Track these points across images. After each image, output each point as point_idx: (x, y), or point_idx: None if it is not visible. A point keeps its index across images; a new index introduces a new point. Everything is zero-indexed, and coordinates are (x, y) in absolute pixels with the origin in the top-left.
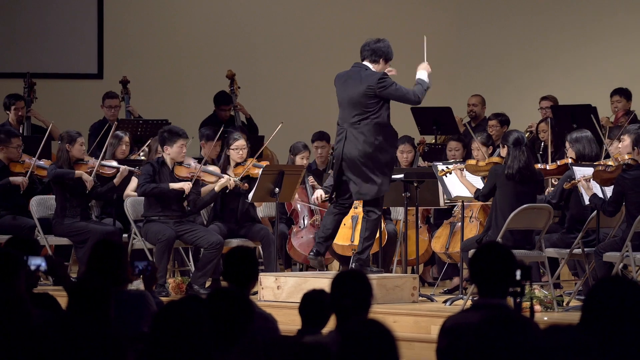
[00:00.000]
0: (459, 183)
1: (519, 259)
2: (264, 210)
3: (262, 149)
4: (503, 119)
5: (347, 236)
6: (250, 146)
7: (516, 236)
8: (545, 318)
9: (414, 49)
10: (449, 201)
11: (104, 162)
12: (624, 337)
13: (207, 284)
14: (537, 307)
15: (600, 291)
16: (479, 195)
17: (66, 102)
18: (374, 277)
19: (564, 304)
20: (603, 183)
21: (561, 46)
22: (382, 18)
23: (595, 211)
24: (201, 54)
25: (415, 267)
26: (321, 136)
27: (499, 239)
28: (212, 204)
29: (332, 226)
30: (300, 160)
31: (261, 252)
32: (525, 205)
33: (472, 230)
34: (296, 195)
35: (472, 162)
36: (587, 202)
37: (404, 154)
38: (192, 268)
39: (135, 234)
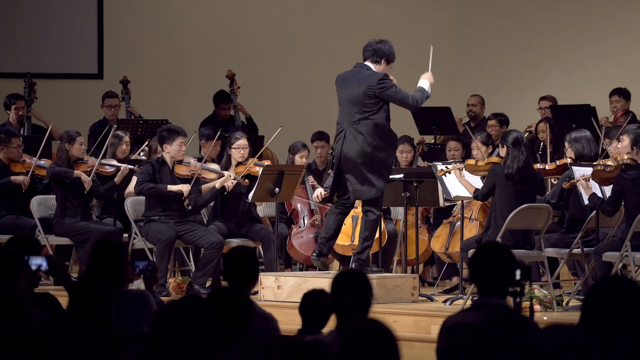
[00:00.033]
0: (458, 183)
1: (519, 259)
2: (264, 210)
3: (263, 150)
4: (502, 119)
5: (347, 236)
6: (250, 146)
7: (516, 236)
8: (545, 318)
9: (414, 49)
10: (448, 201)
11: (104, 161)
12: (624, 337)
13: (208, 283)
14: (537, 307)
15: (600, 291)
16: (478, 195)
17: (66, 102)
18: (374, 277)
19: (564, 303)
20: (602, 182)
21: (561, 46)
22: (382, 18)
23: (595, 211)
24: (201, 54)
25: (415, 267)
26: (321, 136)
27: (498, 238)
28: (212, 204)
29: (334, 226)
30: (300, 159)
31: (261, 252)
32: (524, 205)
33: (471, 230)
34: (296, 195)
35: (471, 162)
36: (586, 202)
37: (403, 154)
38: (193, 268)
39: (135, 233)
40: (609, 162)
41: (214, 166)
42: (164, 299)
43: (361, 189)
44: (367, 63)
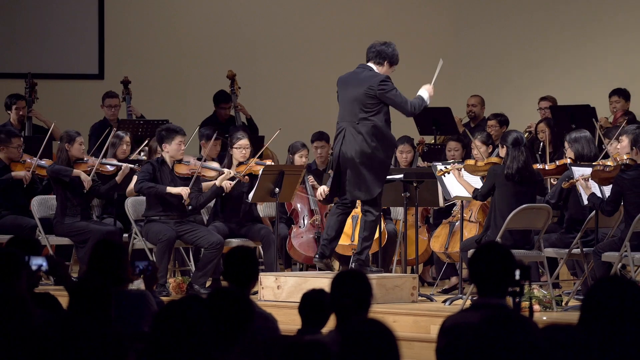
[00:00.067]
0: (457, 183)
1: (518, 259)
2: (264, 210)
3: (263, 150)
4: (502, 119)
5: (347, 236)
6: (251, 146)
7: (515, 236)
8: (544, 318)
9: (414, 49)
10: (447, 200)
11: (105, 161)
12: (623, 337)
13: (208, 283)
14: (536, 307)
15: (599, 291)
16: (477, 195)
17: (67, 102)
18: (374, 277)
19: (563, 303)
20: (601, 182)
21: (561, 46)
22: (382, 18)
23: (594, 211)
24: (202, 54)
25: (414, 267)
26: (320, 136)
27: (498, 238)
28: (212, 204)
29: (336, 227)
30: (299, 158)
31: (261, 252)
32: (524, 205)
33: (471, 230)
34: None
35: (470, 162)
36: (585, 202)
37: (403, 154)
38: (193, 268)
39: (136, 233)
40: (609, 162)
41: (214, 164)
42: (164, 299)
43: (358, 189)
44: (370, 64)
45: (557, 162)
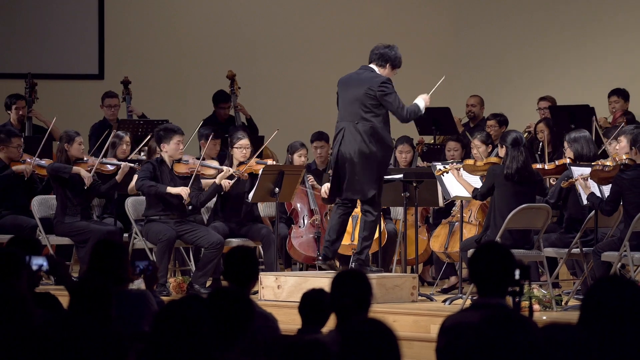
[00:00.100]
0: (457, 183)
1: (518, 259)
2: (264, 210)
3: (263, 150)
4: (501, 119)
5: (347, 235)
6: (251, 146)
7: (515, 236)
8: (544, 317)
9: (414, 49)
10: (446, 200)
11: (105, 160)
12: (623, 336)
13: (208, 283)
14: (536, 307)
15: (599, 291)
16: (477, 194)
17: (67, 102)
18: (374, 277)
19: (563, 303)
20: (600, 182)
21: (560, 46)
22: (382, 18)
23: (594, 211)
24: (202, 54)
25: (414, 266)
26: (320, 136)
27: (497, 238)
28: (212, 204)
29: (338, 228)
30: (298, 158)
31: (261, 251)
32: (523, 205)
33: (470, 230)
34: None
35: (469, 161)
36: (585, 202)
37: (402, 154)
38: (193, 267)
39: (136, 233)
40: (608, 162)
41: (213, 163)
42: (165, 298)
43: (353, 189)
44: (372, 66)
45: (557, 162)
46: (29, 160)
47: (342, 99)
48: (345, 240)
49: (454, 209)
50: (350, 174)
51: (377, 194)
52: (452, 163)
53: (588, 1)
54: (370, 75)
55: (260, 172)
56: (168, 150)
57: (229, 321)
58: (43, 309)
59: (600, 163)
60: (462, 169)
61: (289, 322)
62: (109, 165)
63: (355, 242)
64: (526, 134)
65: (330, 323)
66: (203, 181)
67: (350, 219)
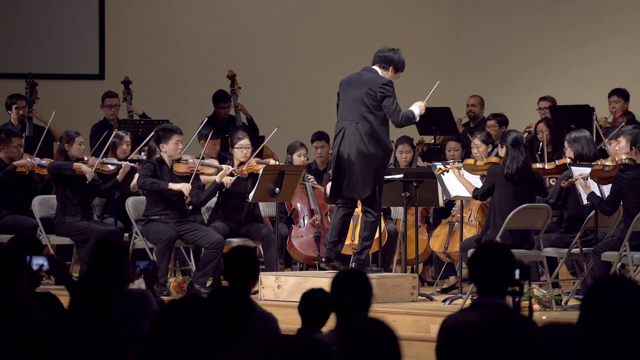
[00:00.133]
0: (458, 182)
1: (518, 259)
2: (265, 209)
3: (263, 150)
4: (501, 119)
5: (347, 235)
6: (252, 146)
7: (515, 236)
8: (544, 317)
9: (414, 49)
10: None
11: (105, 160)
12: (622, 336)
13: (208, 283)
14: (536, 307)
15: (599, 290)
16: (477, 194)
17: (68, 102)
18: (374, 277)
19: (563, 303)
20: (600, 181)
21: (560, 46)
22: (382, 18)
23: (594, 211)
24: (202, 54)
25: (414, 266)
26: (320, 136)
27: (498, 238)
28: (213, 204)
29: (339, 229)
30: (298, 158)
31: (262, 251)
32: (523, 205)
33: (470, 230)
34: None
35: (470, 161)
36: (585, 201)
37: (403, 154)
38: (193, 267)
39: (136, 233)
40: (608, 162)
41: (212, 161)
42: (165, 298)
43: (349, 187)
44: (375, 67)
45: (557, 162)
46: (29, 159)
47: (343, 99)
48: (346, 240)
49: (453, 208)
50: (349, 173)
51: (374, 195)
52: (452, 162)
53: (588, 1)
54: (372, 77)
55: (260, 172)
56: (167, 150)
57: (229, 321)
58: (43, 308)
59: (600, 163)
60: (462, 168)
61: (289, 322)
62: (109, 165)
63: (356, 242)
64: (526, 134)
65: (330, 323)
66: (203, 178)
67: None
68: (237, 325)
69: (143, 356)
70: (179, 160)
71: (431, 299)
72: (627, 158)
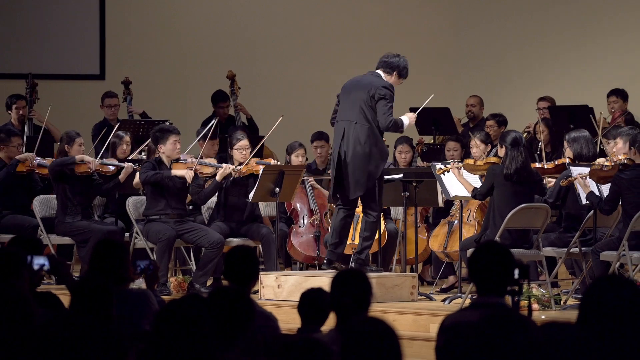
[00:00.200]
0: (457, 182)
1: (517, 258)
2: (264, 209)
3: (263, 149)
4: (501, 119)
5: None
6: (252, 147)
7: (514, 235)
8: (543, 317)
9: (414, 49)
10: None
11: (106, 161)
12: (621, 336)
13: (208, 282)
14: (535, 306)
15: (598, 290)
16: (476, 194)
17: (68, 102)
18: (374, 276)
19: (562, 302)
20: (599, 181)
21: (560, 46)
22: (382, 18)
23: (592, 211)
24: (202, 54)
25: (414, 266)
26: (320, 136)
27: (497, 238)
28: (213, 204)
29: (340, 230)
30: (296, 158)
31: (261, 251)
32: (523, 205)
33: (469, 230)
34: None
35: (469, 161)
36: (584, 201)
37: (402, 154)
38: (193, 267)
39: (137, 233)
40: (606, 162)
41: (211, 160)
42: (165, 298)
43: (348, 185)
44: (379, 72)
45: (556, 162)
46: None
47: (345, 100)
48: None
49: (452, 208)
50: (345, 172)
51: (374, 195)
52: (453, 162)
53: (588, 1)
54: (374, 79)
55: (260, 172)
56: (165, 150)
57: (229, 320)
58: (44, 308)
59: (598, 163)
60: (462, 167)
61: (289, 321)
62: (110, 166)
63: (356, 242)
64: (526, 134)
65: (330, 322)
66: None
67: None
68: (237, 325)
69: (143, 356)
70: (177, 160)
71: (431, 299)
72: (625, 158)
